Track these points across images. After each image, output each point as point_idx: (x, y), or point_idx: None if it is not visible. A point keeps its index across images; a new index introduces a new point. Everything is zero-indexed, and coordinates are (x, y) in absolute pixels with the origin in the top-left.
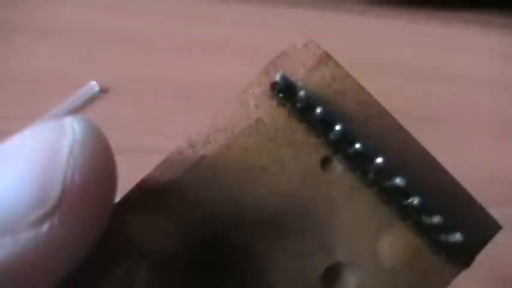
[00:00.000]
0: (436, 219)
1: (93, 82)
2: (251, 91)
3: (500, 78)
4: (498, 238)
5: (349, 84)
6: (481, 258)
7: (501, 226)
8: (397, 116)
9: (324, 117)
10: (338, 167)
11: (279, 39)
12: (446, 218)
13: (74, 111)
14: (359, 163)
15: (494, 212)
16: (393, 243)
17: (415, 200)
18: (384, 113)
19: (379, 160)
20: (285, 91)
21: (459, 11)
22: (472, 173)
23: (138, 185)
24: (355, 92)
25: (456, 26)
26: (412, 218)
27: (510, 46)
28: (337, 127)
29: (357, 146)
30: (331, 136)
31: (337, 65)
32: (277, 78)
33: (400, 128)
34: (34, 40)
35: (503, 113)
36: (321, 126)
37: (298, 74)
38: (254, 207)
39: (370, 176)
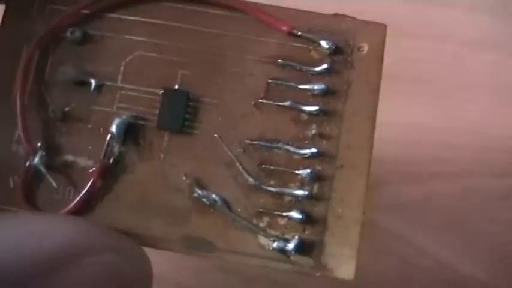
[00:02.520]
0: None
1: None
2: None
3: (497, 37)
4: (496, 214)
5: None
6: (477, 235)
7: None
8: (384, 77)
9: None
10: None
11: None
12: None
13: None
14: None
15: (490, 183)
16: None
17: None
18: None
19: None
20: None
21: None
22: (466, 140)
23: None
24: None
25: None
26: None
27: (509, 3)
28: None
29: None
30: None
31: None
32: None
33: None
34: None
35: (499, 75)
36: None
37: None
38: None
39: None
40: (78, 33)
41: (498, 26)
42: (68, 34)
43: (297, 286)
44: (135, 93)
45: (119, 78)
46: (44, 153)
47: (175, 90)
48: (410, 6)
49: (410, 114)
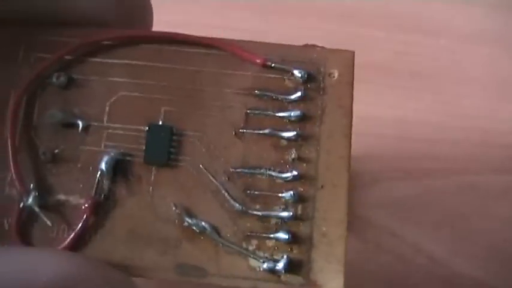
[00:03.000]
0: None
1: None
2: None
3: (494, 31)
4: (493, 211)
5: None
6: (473, 232)
7: None
8: (380, 72)
9: None
10: None
11: None
12: None
13: None
14: None
15: (487, 180)
16: None
17: None
18: None
19: None
20: None
21: None
22: (462, 136)
23: None
24: None
25: None
26: None
27: None
28: None
29: None
30: None
31: None
32: None
33: None
34: None
35: (497, 70)
36: None
37: None
38: None
39: None
40: (63, 78)
41: (495, 20)
42: (54, 79)
43: None
44: (121, 132)
45: (105, 118)
46: (37, 194)
47: (159, 125)
48: (407, 0)
49: (407, 109)
